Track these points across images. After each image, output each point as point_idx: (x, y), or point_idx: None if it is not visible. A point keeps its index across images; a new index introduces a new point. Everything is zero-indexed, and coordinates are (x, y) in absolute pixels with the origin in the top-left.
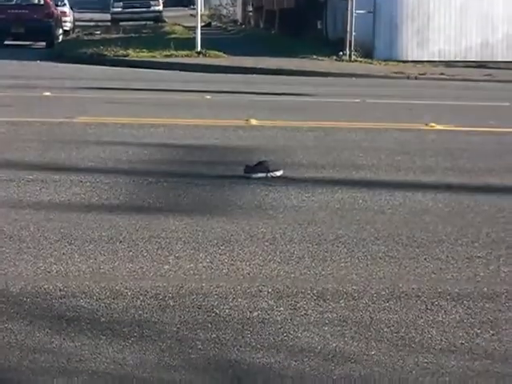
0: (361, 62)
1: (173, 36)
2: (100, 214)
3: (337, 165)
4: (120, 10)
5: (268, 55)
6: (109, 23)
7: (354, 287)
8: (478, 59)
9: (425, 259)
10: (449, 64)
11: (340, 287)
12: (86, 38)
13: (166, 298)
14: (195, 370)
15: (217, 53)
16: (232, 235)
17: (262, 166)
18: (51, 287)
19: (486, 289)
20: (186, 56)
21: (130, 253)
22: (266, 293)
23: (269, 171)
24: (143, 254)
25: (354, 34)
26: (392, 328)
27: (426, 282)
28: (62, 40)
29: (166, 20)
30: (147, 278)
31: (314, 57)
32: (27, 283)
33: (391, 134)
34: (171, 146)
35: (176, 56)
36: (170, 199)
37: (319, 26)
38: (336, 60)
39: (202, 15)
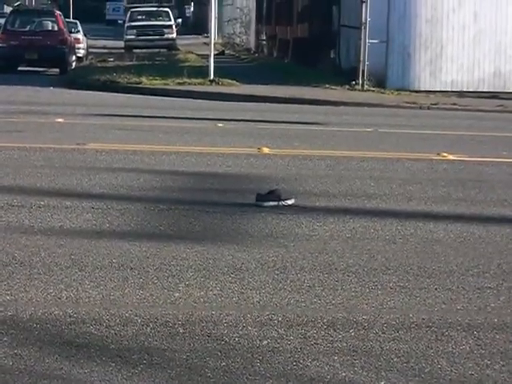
0: (373, 91)
1: (186, 64)
2: (111, 240)
3: (348, 194)
4: (133, 37)
5: (281, 84)
6: (122, 50)
7: (365, 317)
8: (491, 89)
9: (435, 289)
10: (461, 94)
11: (350, 317)
12: (99, 64)
13: (176, 326)
14: None
15: (230, 81)
16: (243, 263)
17: (273, 195)
18: (61, 313)
19: (496, 320)
20: (199, 84)
21: (141, 280)
22: (276, 321)
23: (280, 200)
24: (153, 282)
25: (366, 63)
26: (402, 358)
27: (437, 313)
28: (76, 67)
29: (180, 48)
30: (157, 305)
31: (327, 86)
32: (37, 309)
33: (403, 164)
34: (183, 174)
35: (189, 84)
36: (181, 227)
37: (332, 55)
38: (348, 89)
39: (215, 43)
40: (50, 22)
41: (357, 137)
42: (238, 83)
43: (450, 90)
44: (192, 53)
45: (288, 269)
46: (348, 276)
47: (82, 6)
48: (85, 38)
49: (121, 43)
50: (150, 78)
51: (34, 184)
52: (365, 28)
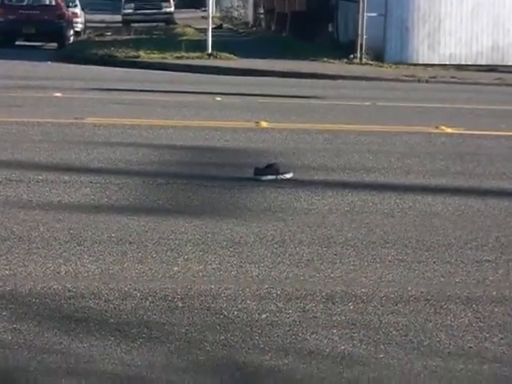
0: (371, 64)
1: (184, 38)
2: (109, 215)
3: (347, 168)
4: (131, 11)
5: (279, 58)
6: (120, 24)
7: (363, 290)
8: (489, 63)
9: (434, 262)
10: (459, 67)
11: (349, 290)
12: (97, 39)
13: (175, 300)
14: (203, 371)
15: (228, 55)
16: (241, 237)
17: (271, 169)
18: (60, 288)
19: (495, 292)
20: (197, 58)
21: (139, 254)
22: (274, 295)
23: (279, 173)
24: (152, 256)
25: (364, 36)
26: (401, 331)
27: (435, 286)
28: (73, 41)
29: (178, 22)
30: (156, 279)
31: (325, 59)
32: (36, 284)
33: (401, 137)
34: (181, 148)
35: (187, 58)
36: (179, 201)
37: (330, 29)
38: (346, 63)
39: (213, 17)
40: None
41: (355, 110)
42: (235, 57)
43: (448, 63)
44: (190, 27)
45: (287, 242)
46: (347, 249)
47: None
48: (82, 13)
49: (118, 17)
50: (148, 52)
51: (33, 158)
52: (363, 1)
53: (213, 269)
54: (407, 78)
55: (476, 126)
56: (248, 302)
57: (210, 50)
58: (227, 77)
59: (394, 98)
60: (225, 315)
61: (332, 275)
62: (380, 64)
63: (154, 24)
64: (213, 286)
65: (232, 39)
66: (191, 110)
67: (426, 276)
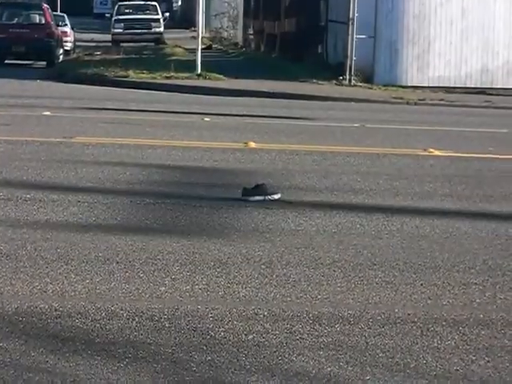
0: (361, 86)
1: (173, 58)
2: (97, 234)
3: (335, 189)
4: (121, 30)
5: (268, 78)
6: (109, 44)
7: (350, 312)
8: (478, 85)
9: (421, 285)
10: (448, 90)
11: (336, 311)
12: (86, 58)
13: (162, 320)
14: None
15: (217, 75)
16: (229, 258)
17: (259, 189)
18: (47, 307)
19: (481, 315)
20: (186, 78)
21: (127, 274)
22: (261, 316)
23: (267, 194)
24: (139, 275)
25: (354, 58)
26: (387, 353)
27: (422, 308)
28: (63, 60)
29: (167, 42)
30: (143, 299)
31: (314, 81)
32: (23, 302)
33: (390, 159)
34: (169, 168)
35: (176, 78)
36: (167, 221)
37: (320, 51)
38: (336, 84)
39: (202, 37)
40: (37, 15)
41: (344, 132)
42: (225, 77)
43: (437, 85)
44: (179, 47)
45: (274, 263)
46: (334, 271)
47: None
48: (72, 32)
49: (108, 37)
50: (137, 71)
51: (21, 177)
52: (352, 23)
53: (200, 289)
54: (396, 100)
55: (464, 148)
56: (235, 322)
57: (199, 71)
58: (216, 97)
59: (382, 120)
60: (212, 336)
61: (319, 296)
62: (369, 86)
63: (144, 44)
64: (200, 307)
65: (221, 60)
66: (180, 130)
67: (412, 298)
